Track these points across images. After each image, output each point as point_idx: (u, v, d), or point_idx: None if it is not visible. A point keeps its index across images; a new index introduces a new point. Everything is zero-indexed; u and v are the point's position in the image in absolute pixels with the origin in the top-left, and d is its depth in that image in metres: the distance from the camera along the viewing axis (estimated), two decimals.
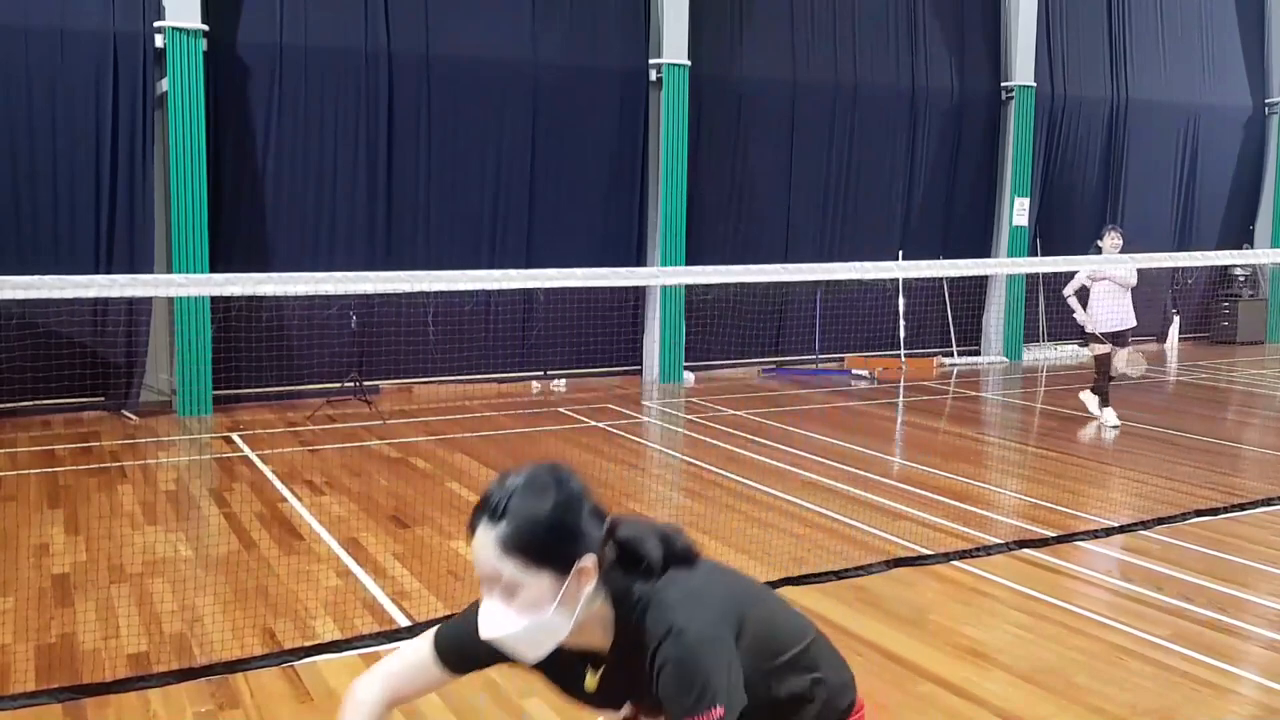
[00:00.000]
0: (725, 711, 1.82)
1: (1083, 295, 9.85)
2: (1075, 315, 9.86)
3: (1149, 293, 15.29)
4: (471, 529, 1.85)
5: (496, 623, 1.84)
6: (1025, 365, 14.15)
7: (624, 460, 8.51)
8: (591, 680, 1.95)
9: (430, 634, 2.09)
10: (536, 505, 1.81)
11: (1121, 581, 5.63)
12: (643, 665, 1.86)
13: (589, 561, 1.86)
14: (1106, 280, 9.66)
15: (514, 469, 1.90)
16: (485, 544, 1.82)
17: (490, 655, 1.98)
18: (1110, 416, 9.77)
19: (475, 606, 1.97)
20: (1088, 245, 9.91)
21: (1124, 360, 10.18)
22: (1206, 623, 5.06)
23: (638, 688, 1.90)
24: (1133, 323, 9.80)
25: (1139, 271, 9.84)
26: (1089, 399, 10.01)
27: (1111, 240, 9.59)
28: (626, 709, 2.01)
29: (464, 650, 2.05)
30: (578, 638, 1.90)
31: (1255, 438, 9.68)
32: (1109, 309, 9.67)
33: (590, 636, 1.91)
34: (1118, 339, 9.78)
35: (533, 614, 1.81)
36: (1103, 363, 9.81)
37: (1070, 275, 10.03)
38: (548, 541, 1.81)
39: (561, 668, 2.00)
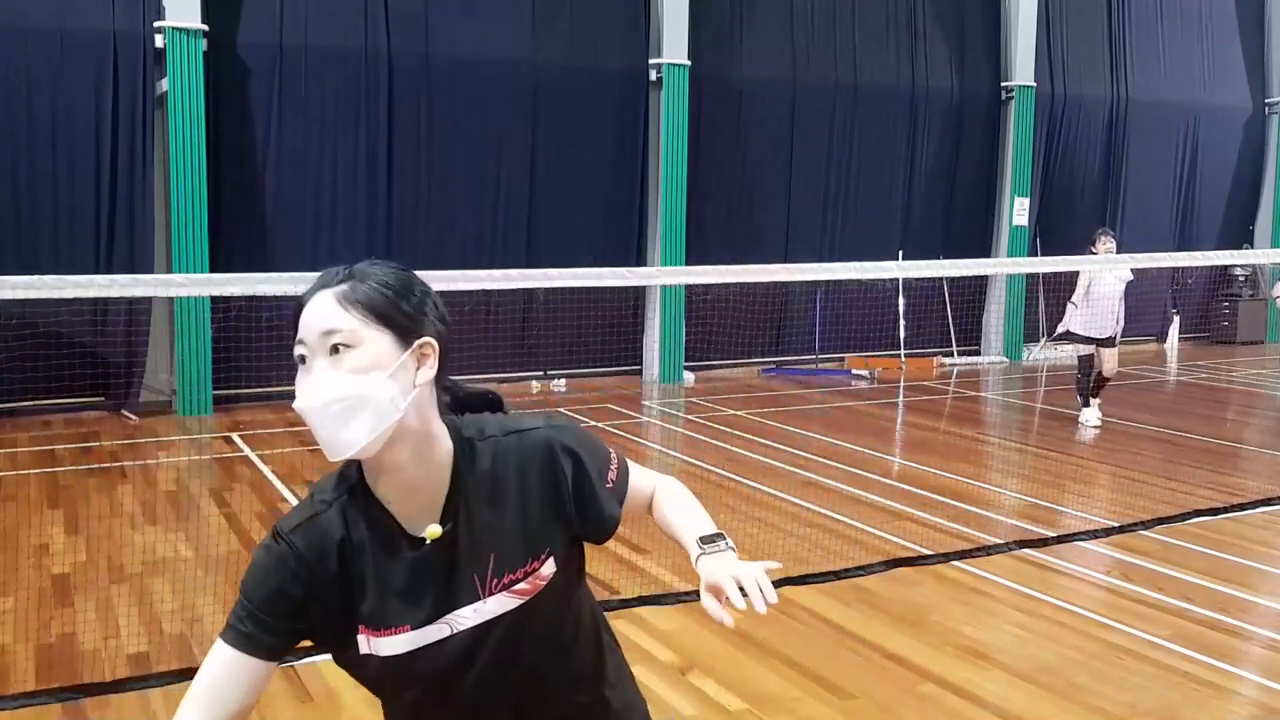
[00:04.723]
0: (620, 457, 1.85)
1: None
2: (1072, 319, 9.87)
3: (1149, 292, 15.36)
4: (298, 311, 1.64)
5: (323, 385, 1.57)
6: (1025, 365, 14.15)
7: None
8: (435, 530, 1.67)
9: (219, 640, 1.76)
10: (384, 269, 1.65)
11: (1121, 581, 5.63)
12: (509, 492, 1.71)
13: (432, 343, 1.64)
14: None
15: None
16: (321, 302, 1.60)
17: (302, 606, 1.70)
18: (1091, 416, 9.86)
19: (244, 611, 1.75)
20: (1087, 245, 9.88)
21: (1113, 360, 10.04)
22: (1207, 623, 5.06)
23: (499, 524, 1.71)
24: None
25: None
26: (1090, 414, 9.93)
27: (1105, 245, 9.59)
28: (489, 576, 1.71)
29: (273, 615, 1.74)
30: (414, 474, 1.65)
31: (1255, 438, 9.67)
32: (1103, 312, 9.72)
33: (429, 469, 1.67)
34: (1106, 343, 9.80)
35: (364, 377, 1.57)
36: (1086, 363, 9.97)
37: (1073, 276, 10.01)
38: (394, 301, 1.61)
39: (383, 540, 1.68)
